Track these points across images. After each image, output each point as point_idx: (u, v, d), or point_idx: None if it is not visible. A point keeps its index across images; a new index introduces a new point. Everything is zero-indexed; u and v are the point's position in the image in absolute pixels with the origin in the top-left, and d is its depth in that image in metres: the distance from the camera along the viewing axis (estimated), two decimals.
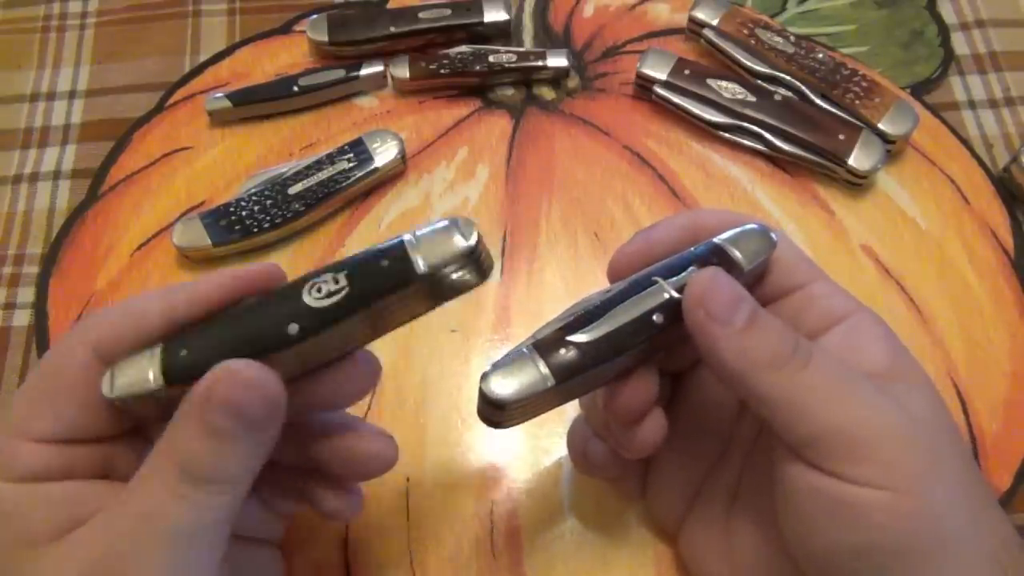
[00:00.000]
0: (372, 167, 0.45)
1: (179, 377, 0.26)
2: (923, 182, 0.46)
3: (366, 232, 0.44)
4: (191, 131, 0.48)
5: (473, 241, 0.26)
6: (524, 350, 0.27)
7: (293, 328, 0.26)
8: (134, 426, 0.29)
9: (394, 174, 0.46)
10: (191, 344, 0.26)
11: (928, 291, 0.42)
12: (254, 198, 0.43)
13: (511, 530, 0.37)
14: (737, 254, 0.29)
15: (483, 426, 0.39)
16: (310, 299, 0.26)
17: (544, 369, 0.27)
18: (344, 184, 0.44)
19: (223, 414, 0.25)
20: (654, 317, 0.28)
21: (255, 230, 0.43)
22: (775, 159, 0.46)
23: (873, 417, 0.26)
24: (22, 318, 0.43)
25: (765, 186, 0.45)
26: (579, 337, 0.27)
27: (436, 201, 0.45)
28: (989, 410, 0.39)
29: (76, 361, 0.27)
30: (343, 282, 0.26)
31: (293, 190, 0.44)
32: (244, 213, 0.43)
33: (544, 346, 0.27)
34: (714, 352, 0.27)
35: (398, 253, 0.26)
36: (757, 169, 0.46)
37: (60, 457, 0.27)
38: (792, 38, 0.48)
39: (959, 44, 0.50)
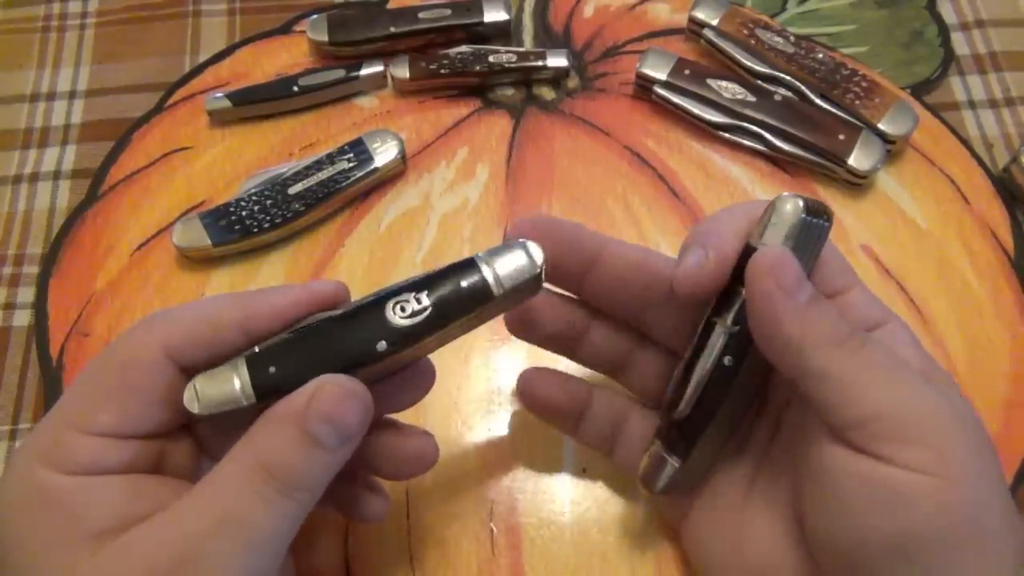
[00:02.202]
0: (372, 167, 0.45)
1: (269, 393, 0.27)
2: (923, 182, 0.46)
3: (366, 232, 0.44)
4: (191, 131, 0.48)
5: (540, 262, 0.28)
6: (660, 451, 0.32)
7: (382, 345, 0.27)
8: (185, 423, 0.29)
9: (394, 174, 0.46)
10: (278, 360, 0.27)
11: (928, 291, 0.42)
12: (254, 198, 0.43)
13: (511, 530, 0.37)
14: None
15: (482, 427, 0.39)
16: (395, 318, 0.28)
17: (673, 458, 0.31)
18: (344, 184, 0.44)
19: (324, 424, 0.26)
20: (726, 359, 0.29)
21: (255, 230, 0.43)
22: (775, 159, 0.46)
23: (927, 402, 0.26)
24: (22, 318, 0.43)
25: (765, 186, 0.45)
26: (681, 412, 0.31)
27: (436, 201, 0.45)
28: (989, 410, 0.39)
29: (147, 359, 0.27)
30: (425, 301, 0.28)
31: (293, 190, 0.44)
32: (244, 213, 0.43)
33: (667, 441, 0.32)
34: (777, 323, 0.27)
35: (474, 275, 0.28)
36: (757, 169, 0.46)
37: (119, 451, 0.27)
38: (792, 38, 0.48)
39: (959, 44, 0.50)
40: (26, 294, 0.44)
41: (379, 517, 0.32)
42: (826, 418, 0.26)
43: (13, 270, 0.45)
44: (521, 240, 0.29)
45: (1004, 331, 0.41)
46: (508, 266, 0.28)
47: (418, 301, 0.28)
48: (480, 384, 0.40)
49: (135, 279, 0.43)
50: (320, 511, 0.32)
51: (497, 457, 0.38)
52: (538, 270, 0.28)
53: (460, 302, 0.28)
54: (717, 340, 0.29)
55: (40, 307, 0.43)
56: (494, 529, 0.37)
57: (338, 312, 0.28)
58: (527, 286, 0.28)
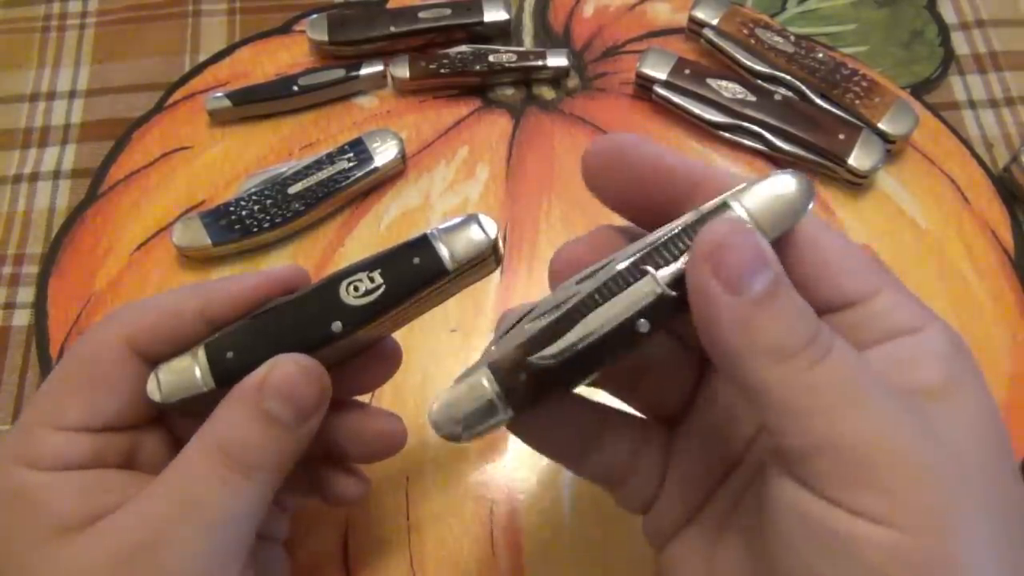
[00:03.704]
0: (372, 167, 0.45)
1: (228, 379, 0.27)
2: (923, 182, 0.45)
3: (366, 232, 0.44)
4: (191, 131, 0.48)
5: (494, 235, 0.28)
6: (482, 379, 0.24)
7: (337, 326, 0.27)
8: (157, 415, 0.29)
9: (394, 174, 0.46)
10: (235, 345, 0.28)
11: (928, 291, 0.42)
12: (254, 198, 0.43)
13: (511, 530, 0.37)
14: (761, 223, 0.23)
15: None
16: (349, 298, 0.27)
17: (502, 408, 0.24)
18: (344, 184, 0.44)
19: (279, 401, 0.26)
20: (639, 324, 0.23)
21: (255, 230, 0.43)
22: (775, 159, 0.46)
23: (886, 436, 0.21)
24: (22, 318, 0.43)
25: None
26: (543, 357, 0.23)
27: (436, 201, 0.45)
28: None
29: (111, 353, 0.28)
30: (379, 280, 0.27)
31: (293, 190, 0.44)
32: (244, 213, 0.43)
33: (501, 372, 0.23)
34: (712, 322, 0.22)
35: (427, 251, 0.28)
36: (757, 169, 0.46)
37: (88, 445, 0.27)
38: (792, 38, 0.48)
39: (959, 44, 0.50)
40: (26, 294, 0.44)
41: (355, 498, 0.32)
42: (773, 442, 0.22)
43: (13, 270, 0.45)
44: (474, 213, 0.28)
45: (1004, 331, 0.41)
46: (461, 240, 0.28)
47: (371, 280, 0.27)
48: None
49: (135, 279, 0.43)
50: (318, 512, 0.32)
51: (497, 457, 0.38)
52: (492, 242, 0.28)
53: (413, 279, 0.28)
54: (640, 296, 0.23)
55: (40, 307, 0.43)
56: (494, 529, 0.37)
57: (295, 295, 0.29)
58: (482, 259, 0.28)
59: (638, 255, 0.24)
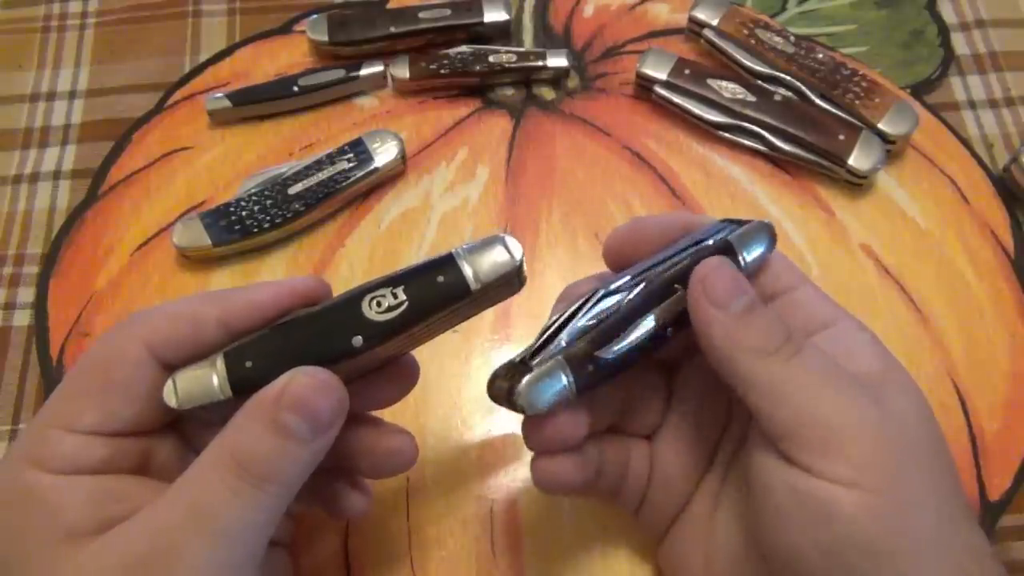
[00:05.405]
0: (372, 167, 0.45)
1: (245, 388, 0.27)
2: (923, 182, 0.46)
3: (366, 232, 0.44)
4: (191, 131, 0.48)
5: (519, 257, 0.28)
6: (559, 368, 0.28)
7: (357, 340, 0.27)
8: (171, 422, 0.29)
9: (394, 174, 0.46)
10: (255, 355, 0.27)
11: (928, 291, 0.42)
12: (254, 198, 0.43)
13: (511, 530, 0.37)
14: (745, 254, 0.30)
15: (483, 427, 0.39)
16: (371, 313, 0.27)
17: (572, 392, 0.28)
18: (344, 184, 0.44)
19: (295, 414, 0.26)
20: (668, 330, 0.29)
21: (255, 230, 0.43)
22: (775, 159, 0.46)
23: (849, 414, 0.26)
24: (22, 318, 0.43)
25: (765, 186, 0.45)
26: (608, 353, 0.28)
27: (436, 201, 0.45)
28: (989, 410, 0.39)
29: (129, 357, 0.27)
30: (402, 296, 0.27)
31: (293, 190, 0.44)
32: (244, 213, 0.43)
33: (575, 362, 0.28)
34: (706, 331, 0.28)
35: (452, 270, 0.28)
36: (757, 169, 0.46)
37: (102, 449, 0.27)
38: (792, 38, 0.48)
39: (959, 44, 0.50)
40: (26, 294, 0.44)
41: (359, 513, 0.32)
42: (759, 427, 0.27)
43: (13, 270, 0.45)
44: (500, 235, 0.29)
45: (1004, 331, 0.41)
46: (486, 261, 0.28)
47: (394, 296, 0.27)
48: (480, 384, 0.40)
49: (135, 279, 0.43)
50: (320, 515, 0.32)
51: (497, 457, 0.38)
52: (517, 264, 0.28)
53: (437, 297, 0.28)
54: (673, 308, 0.29)
55: (40, 307, 0.43)
56: (494, 529, 0.37)
57: (316, 308, 0.28)
58: (506, 281, 0.28)
59: (670, 271, 0.30)
